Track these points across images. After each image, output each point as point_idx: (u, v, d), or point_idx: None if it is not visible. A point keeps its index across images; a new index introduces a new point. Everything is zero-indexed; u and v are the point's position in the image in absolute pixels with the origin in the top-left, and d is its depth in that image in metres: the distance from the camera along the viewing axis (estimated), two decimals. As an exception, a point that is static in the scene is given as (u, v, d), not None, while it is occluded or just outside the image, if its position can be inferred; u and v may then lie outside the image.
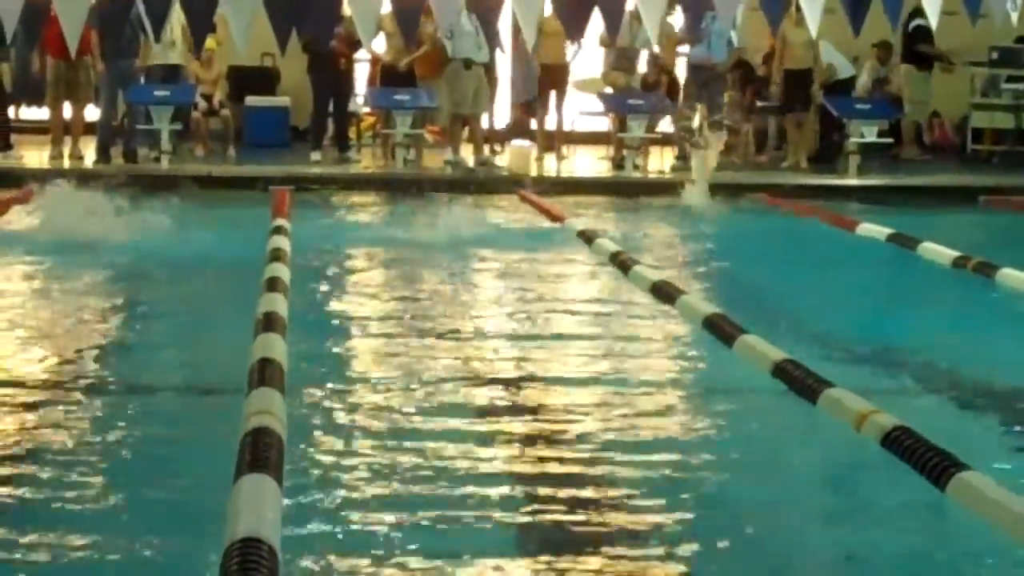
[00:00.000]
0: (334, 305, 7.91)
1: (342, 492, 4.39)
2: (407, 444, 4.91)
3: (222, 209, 12.15)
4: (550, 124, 15.92)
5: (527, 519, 4.23)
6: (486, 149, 15.61)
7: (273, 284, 7.24)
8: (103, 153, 14.21)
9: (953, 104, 17.88)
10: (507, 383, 5.93)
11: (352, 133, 16.29)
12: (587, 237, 9.99)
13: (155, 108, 13.96)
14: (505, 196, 13.22)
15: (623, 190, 14.18)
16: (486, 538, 4.06)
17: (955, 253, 9.24)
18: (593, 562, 3.90)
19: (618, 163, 15.46)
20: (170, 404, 5.70)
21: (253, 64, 16.62)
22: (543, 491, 4.48)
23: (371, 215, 12.48)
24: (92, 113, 14.53)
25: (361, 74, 16.48)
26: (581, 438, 5.09)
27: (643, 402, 5.63)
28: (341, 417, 5.28)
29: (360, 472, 4.60)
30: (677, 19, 14.71)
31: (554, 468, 4.75)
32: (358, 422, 5.22)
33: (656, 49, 15.30)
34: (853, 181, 14.71)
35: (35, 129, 15.84)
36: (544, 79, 15.66)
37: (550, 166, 15.52)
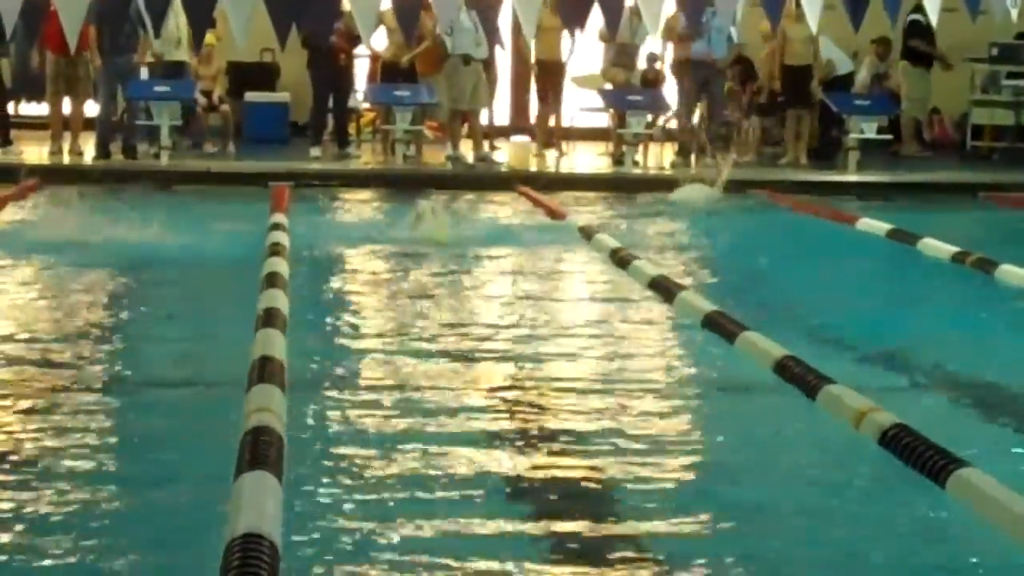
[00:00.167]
0: (333, 301, 7.90)
1: (341, 489, 4.39)
2: (407, 442, 4.90)
3: (221, 205, 12.14)
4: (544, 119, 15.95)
5: (528, 515, 4.23)
6: (485, 145, 15.60)
7: (272, 280, 7.24)
8: (102, 149, 14.20)
9: (953, 100, 17.87)
10: (508, 380, 5.94)
11: (352, 129, 16.29)
12: (587, 233, 9.99)
13: (155, 104, 13.96)
14: (505, 192, 13.21)
15: (623, 186, 14.18)
16: (487, 537, 4.05)
17: (955, 249, 9.25)
18: (595, 562, 3.90)
19: (617, 159, 15.46)
20: (169, 399, 5.69)
21: (253, 60, 16.60)
22: (544, 488, 4.48)
23: (371, 211, 12.48)
24: (92, 109, 14.52)
25: (361, 70, 16.47)
26: (581, 436, 5.08)
27: (644, 399, 5.63)
28: (339, 414, 5.27)
29: (360, 469, 4.60)
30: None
31: (555, 466, 4.75)
32: (356, 419, 5.21)
33: (657, 44, 15.29)
34: (853, 177, 14.71)
35: (35, 125, 15.83)
36: (540, 75, 15.66)
37: (549, 162, 15.53)
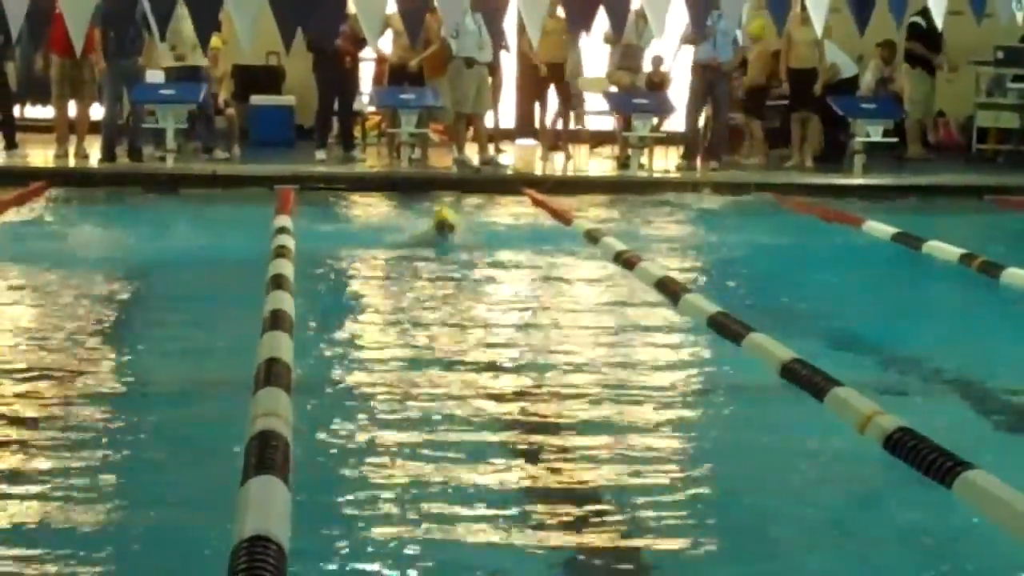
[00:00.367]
0: (338, 304, 7.90)
1: (348, 493, 4.39)
2: (413, 446, 4.90)
3: (227, 208, 12.16)
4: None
5: (534, 521, 4.23)
6: (491, 148, 15.60)
7: (278, 282, 7.23)
8: (108, 152, 14.22)
9: (958, 104, 17.87)
10: (514, 383, 5.93)
11: (357, 132, 16.30)
12: (593, 236, 9.99)
13: (159, 107, 13.97)
14: (511, 195, 13.21)
15: (628, 189, 14.18)
16: (493, 543, 4.05)
17: (960, 252, 9.24)
18: (596, 562, 3.90)
19: (623, 162, 15.45)
20: (174, 402, 5.69)
21: (258, 63, 16.64)
22: (551, 497, 4.47)
23: (376, 214, 12.48)
24: (97, 112, 14.54)
25: (366, 73, 16.48)
26: (587, 443, 5.07)
27: (649, 405, 5.61)
28: (345, 418, 5.27)
29: (367, 474, 4.60)
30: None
31: (561, 470, 4.75)
32: (361, 423, 5.22)
33: (663, 46, 15.29)
34: (858, 180, 14.70)
35: (40, 128, 15.86)
36: (543, 78, 15.66)
37: (555, 165, 15.53)
